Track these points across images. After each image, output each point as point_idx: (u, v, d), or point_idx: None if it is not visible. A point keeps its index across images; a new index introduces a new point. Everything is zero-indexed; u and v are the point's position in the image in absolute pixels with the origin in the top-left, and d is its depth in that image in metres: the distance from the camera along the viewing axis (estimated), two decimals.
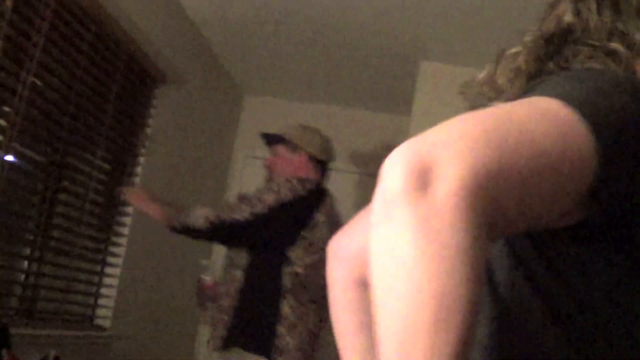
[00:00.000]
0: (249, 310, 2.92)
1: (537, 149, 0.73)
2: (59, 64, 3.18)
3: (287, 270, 2.90)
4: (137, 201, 3.21)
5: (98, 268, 3.89)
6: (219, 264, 3.36)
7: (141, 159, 4.06)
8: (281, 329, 2.86)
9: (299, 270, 2.91)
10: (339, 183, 5.42)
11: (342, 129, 5.51)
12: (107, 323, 3.91)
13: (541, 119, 0.76)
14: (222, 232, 2.93)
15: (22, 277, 3.30)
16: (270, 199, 2.92)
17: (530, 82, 0.98)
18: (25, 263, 3.31)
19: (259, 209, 2.90)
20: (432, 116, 4.25)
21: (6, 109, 2.89)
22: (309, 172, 3.14)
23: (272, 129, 3.48)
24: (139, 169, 4.04)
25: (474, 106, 1.05)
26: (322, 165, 3.23)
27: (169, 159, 4.30)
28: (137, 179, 4.05)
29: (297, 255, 2.91)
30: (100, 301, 3.91)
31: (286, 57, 4.70)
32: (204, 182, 4.92)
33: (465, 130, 0.72)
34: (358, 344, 1.26)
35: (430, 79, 4.41)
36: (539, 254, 0.92)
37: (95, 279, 3.89)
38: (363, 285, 1.22)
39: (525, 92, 0.91)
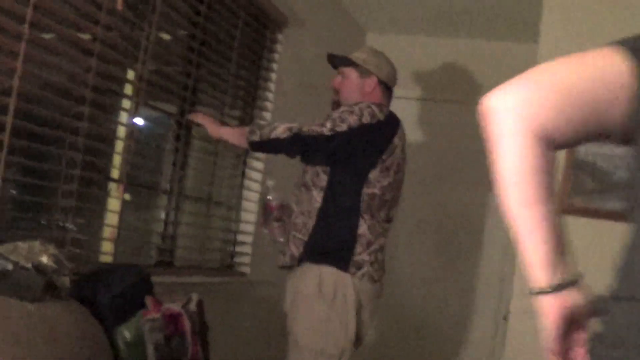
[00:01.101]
0: (327, 228, 3.02)
1: None
2: (180, 14, 3.19)
3: (366, 191, 2.98)
4: (210, 125, 3.17)
5: (234, 215, 3.95)
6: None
7: (268, 104, 4.05)
8: (358, 247, 2.97)
9: (377, 191, 2.99)
10: (472, 114, 5.28)
11: (467, 61, 5.34)
12: (246, 269, 3.97)
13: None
14: (302, 144, 2.97)
15: (162, 226, 3.37)
16: (352, 119, 2.96)
17: None
18: (163, 213, 3.38)
19: (340, 127, 2.95)
20: (561, 42, 4.07)
21: (134, 63, 2.92)
22: (379, 97, 3.17)
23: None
24: (267, 115, 4.04)
25: None
26: (389, 91, 3.24)
27: (296, 102, 4.27)
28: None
29: (375, 177, 2.99)
30: (239, 248, 3.98)
31: None
32: None
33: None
34: (549, 212, 1.16)
35: (556, 2, 4.18)
36: None
37: (233, 225, 3.95)
38: (543, 141, 1.14)
39: None
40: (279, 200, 3.23)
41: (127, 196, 3.07)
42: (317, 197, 3.04)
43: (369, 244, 2.98)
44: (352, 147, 2.98)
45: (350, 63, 3.21)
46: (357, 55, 3.23)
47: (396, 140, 3.04)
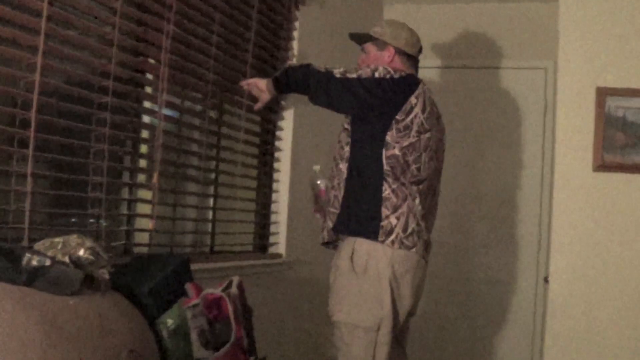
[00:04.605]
0: (354, 196, 3.01)
1: None
2: None
3: (386, 153, 2.96)
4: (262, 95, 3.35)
5: (265, 197, 3.92)
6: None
7: None
8: (385, 211, 2.94)
9: (397, 152, 2.95)
10: (495, 78, 5.21)
11: (486, 25, 5.26)
12: (281, 250, 3.96)
13: None
14: (311, 73, 3.09)
15: (195, 213, 3.35)
16: (364, 72, 3.02)
17: None
18: (196, 200, 3.36)
19: (350, 74, 3.03)
20: None
21: (152, 61, 2.88)
22: (399, 66, 3.17)
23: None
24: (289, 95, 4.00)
25: None
26: (411, 59, 3.24)
27: None
28: (286, 102, 4.01)
29: (393, 138, 2.96)
30: (273, 228, 3.96)
31: None
32: None
33: None
34: None
35: None
36: None
37: (265, 207, 3.93)
38: None
39: None
40: (328, 183, 3.21)
41: (158, 185, 3.04)
42: (343, 168, 3.05)
43: (395, 207, 2.95)
44: (359, 96, 2.99)
45: (369, 39, 3.24)
46: (375, 30, 3.26)
47: (413, 100, 2.99)
